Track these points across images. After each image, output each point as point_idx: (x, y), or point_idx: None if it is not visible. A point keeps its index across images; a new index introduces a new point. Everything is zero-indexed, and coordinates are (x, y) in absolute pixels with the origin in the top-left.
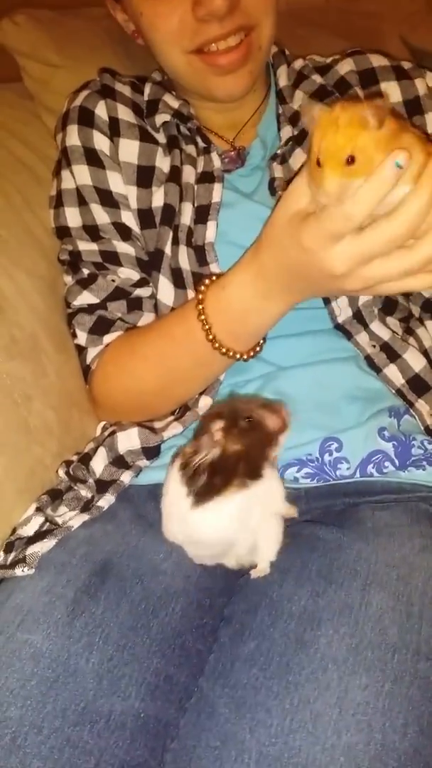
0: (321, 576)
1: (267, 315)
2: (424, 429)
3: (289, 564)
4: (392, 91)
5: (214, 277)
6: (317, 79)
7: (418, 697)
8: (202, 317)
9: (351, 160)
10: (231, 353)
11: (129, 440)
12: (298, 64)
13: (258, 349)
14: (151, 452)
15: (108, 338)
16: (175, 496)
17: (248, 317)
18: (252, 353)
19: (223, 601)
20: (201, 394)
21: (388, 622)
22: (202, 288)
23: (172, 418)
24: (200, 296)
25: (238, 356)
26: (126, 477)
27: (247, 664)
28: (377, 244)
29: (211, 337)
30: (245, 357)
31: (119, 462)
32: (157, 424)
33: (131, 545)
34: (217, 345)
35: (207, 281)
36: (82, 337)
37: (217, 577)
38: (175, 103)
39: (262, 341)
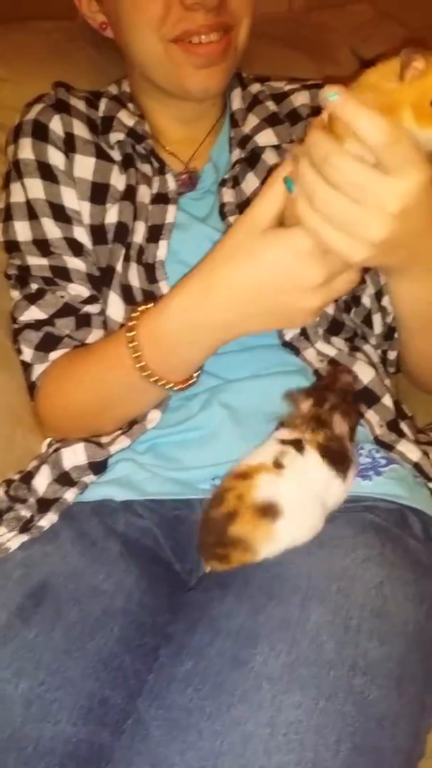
0: (262, 592)
1: (200, 347)
2: (374, 439)
3: (231, 580)
4: None
5: (150, 305)
6: (271, 106)
7: (353, 713)
8: (132, 344)
9: None
10: (162, 383)
11: (75, 456)
12: (255, 88)
13: (192, 381)
14: (98, 467)
15: (54, 355)
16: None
17: (180, 349)
18: (185, 385)
19: (165, 619)
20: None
21: (326, 637)
22: (135, 314)
23: (119, 432)
24: (131, 323)
25: (169, 386)
26: (70, 495)
27: (183, 684)
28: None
29: (140, 365)
30: (176, 388)
31: (64, 479)
32: (104, 439)
33: (71, 566)
34: (147, 374)
35: (141, 308)
36: (27, 354)
37: (161, 595)
38: (130, 121)
39: (197, 373)
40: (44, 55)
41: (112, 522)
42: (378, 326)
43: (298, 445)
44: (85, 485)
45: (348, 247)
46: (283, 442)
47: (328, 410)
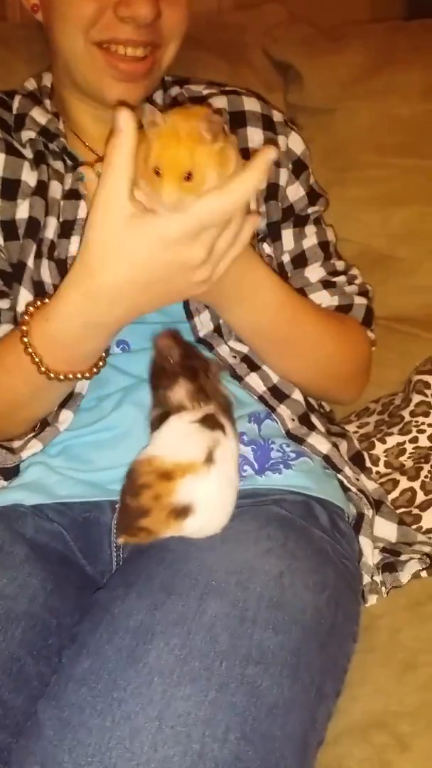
0: (162, 588)
1: (102, 338)
2: (286, 433)
3: (135, 578)
4: (256, 136)
5: (37, 304)
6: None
7: (243, 702)
8: (30, 351)
9: (189, 177)
10: (70, 376)
11: None
12: (174, 91)
13: (101, 363)
14: (9, 473)
15: None
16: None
17: (81, 344)
18: (95, 369)
19: (73, 620)
20: (61, 407)
21: (220, 630)
22: (26, 318)
23: (31, 434)
24: (24, 328)
25: (79, 376)
26: None
27: (78, 683)
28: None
29: (44, 369)
30: (87, 375)
31: None
32: (16, 444)
33: None
34: (53, 375)
35: (30, 310)
36: None
37: (68, 596)
38: (42, 119)
39: (103, 355)
40: None
41: (19, 526)
42: None
43: (215, 422)
44: None
45: None
46: (201, 422)
47: (196, 379)
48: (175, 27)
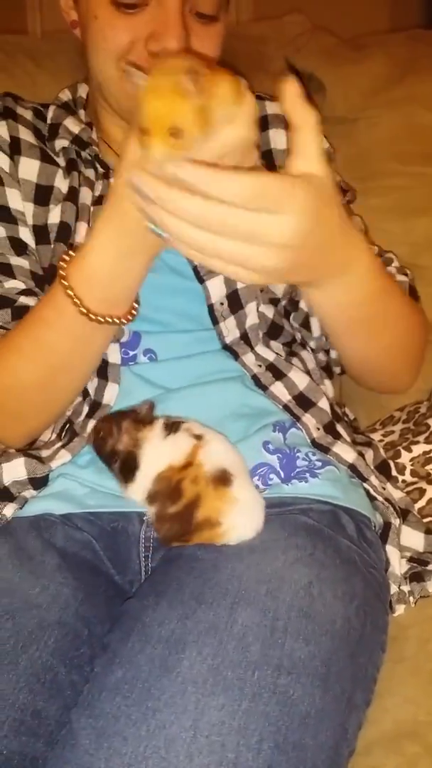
0: (193, 597)
1: (135, 272)
2: (311, 442)
3: (165, 587)
4: (279, 138)
5: (70, 255)
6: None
7: (276, 712)
8: (70, 292)
9: (176, 133)
10: (109, 320)
11: (15, 471)
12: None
13: (134, 311)
14: (39, 482)
15: None
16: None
17: (117, 280)
18: (130, 316)
19: (104, 629)
20: (89, 417)
21: (252, 639)
22: (63, 264)
23: (60, 444)
24: (63, 272)
25: (116, 321)
26: (9, 510)
27: (113, 692)
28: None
29: (84, 310)
30: (124, 320)
31: (3, 494)
32: (45, 453)
33: (5, 580)
34: (93, 317)
35: (67, 256)
36: None
37: (98, 605)
38: (75, 128)
39: (136, 305)
40: None
41: (50, 536)
42: (316, 329)
43: (173, 425)
44: (24, 500)
45: (248, 277)
46: (166, 431)
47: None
48: (209, 52)
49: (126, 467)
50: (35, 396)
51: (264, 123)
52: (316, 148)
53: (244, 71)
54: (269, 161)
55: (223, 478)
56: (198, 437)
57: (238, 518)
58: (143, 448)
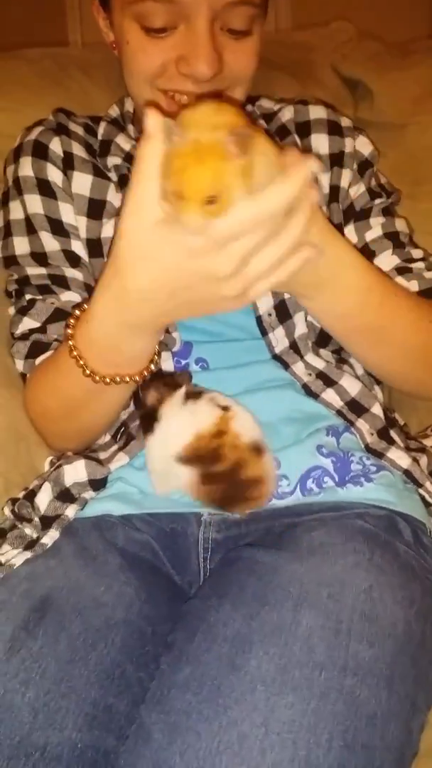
0: (256, 599)
1: (140, 343)
2: (365, 447)
3: (227, 588)
4: (321, 142)
5: (83, 307)
6: (262, 124)
7: (344, 712)
8: (75, 353)
9: (212, 200)
10: (118, 380)
11: (76, 472)
12: (248, 109)
13: (152, 367)
14: (98, 484)
15: (39, 361)
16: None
17: (121, 347)
18: (146, 373)
19: (166, 628)
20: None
21: (317, 640)
22: (71, 322)
23: (116, 447)
24: (69, 331)
25: (128, 380)
26: (71, 511)
27: (182, 689)
28: (257, 238)
29: (88, 372)
30: (138, 378)
31: (65, 495)
32: (103, 455)
33: (72, 579)
34: (98, 378)
35: (76, 313)
36: (20, 365)
37: (160, 605)
38: (127, 145)
39: (156, 358)
40: (37, 83)
41: (111, 536)
42: None
43: (195, 394)
44: (85, 501)
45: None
46: (187, 400)
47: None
48: (240, 74)
49: (147, 418)
50: (66, 425)
51: (306, 129)
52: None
53: (293, 79)
54: None
55: (258, 449)
56: (225, 408)
57: (276, 479)
58: (164, 405)
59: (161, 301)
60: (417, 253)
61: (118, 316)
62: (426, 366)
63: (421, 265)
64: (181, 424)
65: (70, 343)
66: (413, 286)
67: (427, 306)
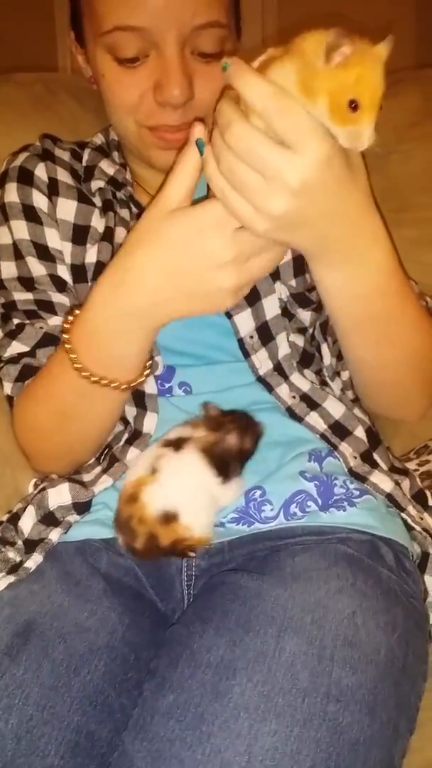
0: (239, 625)
1: (136, 335)
2: (348, 470)
3: (210, 614)
4: None
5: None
6: None
7: (327, 738)
8: (68, 347)
9: (355, 106)
10: (105, 382)
11: (59, 496)
12: None
13: (141, 378)
14: (82, 507)
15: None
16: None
17: (116, 340)
18: (133, 383)
19: (149, 654)
20: (129, 445)
21: (300, 667)
22: (68, 318)
23: (100, 469)
24: (65, 325)
25: (114, 385)
26: (54, 535)
27: (165, 716)
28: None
29: (78, 366)
30: (123, 387)
31: (48, 519)
32: (86, 478)
33: (56, 604)
34: (87, 375)
35: (71, 314)
36: (8, 387)
37: (143, 631)
38: (111, 170)
39: (147, 372)
40: (27, 108)
41: (94, 561)
42: (327, 356)
43: (177, 444)
44: (69, 524)
45: (249, 216)
46: (165, 443)
47: (229, 421)
48: (215, 97)
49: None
50: (57, 439)
51: None
52: (304, 127)
53: None
54: None
55: (167, 517)
56: (153, 471)
57: (201, 527)
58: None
59: (158, 286)
60: None
61: (115, 303)
62: (417, 377)
63: None
64: (132, 470)
65: (64, 336)
66: None
67: (427, 316)
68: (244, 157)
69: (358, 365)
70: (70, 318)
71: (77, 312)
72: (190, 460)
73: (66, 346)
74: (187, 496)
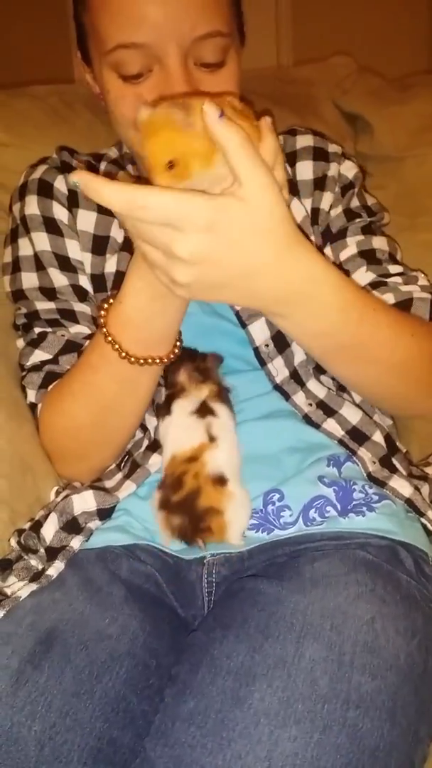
0: (259, 631)
1: (170, 313)
2: (367, 475)
3: (231, 620)
4: (305, 169)
5: (111, 301)
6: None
7: (347, 744)
8: (110, 338)
9: (171, 165)
10: (150, 361)
11: (84, 502)
12: None
13: (176, 350)
14: (105, 513)
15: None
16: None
17: (152, 323)
18: (172, 355)
19: (170, 660)
20: (151, 452)
21: (320, 673)
22: (102, 312)
23: (121, 475)
24: (102, 319)
25: (158, 361)
26: (76, 543)
27: (186, 722)
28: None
29: (123, 354)
30: (166, 360)
31: (71, 526)
32: (108, 484)
33: (77, 612)
34: (133, 359)
35: (106, 303)
36: (31, 395)
37: (164, 637)
38: (128, 182)
39: (178, 341)
40: (43, 120)
41: (115, 568)
42: None
43: (208, 410)
44: (90, 531)
45: (168, 285)
46: (196, 413)
47: (196, 367)
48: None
49: (161, 405)
50: (90, 435)
51: (293, 158)
52: (244, 170)
53: (293, 114)
54: (292, 191)
55: (221, 480)
56: (212, 439)
57: (238, 510)
58: (179, 399)
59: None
60: (395, 269)
61: (151, 287)
62: (409, 381)
63: (398, 279)
64: (174, 437)
65: (104, 329)
66: (389, 299)
67: (408, 320)
68: (144, 237)
69: (344, 383)
70: (103, 312)
71: (107, 306)
72: (224, 413)
73: (108, 339)
74: (237, 464)
